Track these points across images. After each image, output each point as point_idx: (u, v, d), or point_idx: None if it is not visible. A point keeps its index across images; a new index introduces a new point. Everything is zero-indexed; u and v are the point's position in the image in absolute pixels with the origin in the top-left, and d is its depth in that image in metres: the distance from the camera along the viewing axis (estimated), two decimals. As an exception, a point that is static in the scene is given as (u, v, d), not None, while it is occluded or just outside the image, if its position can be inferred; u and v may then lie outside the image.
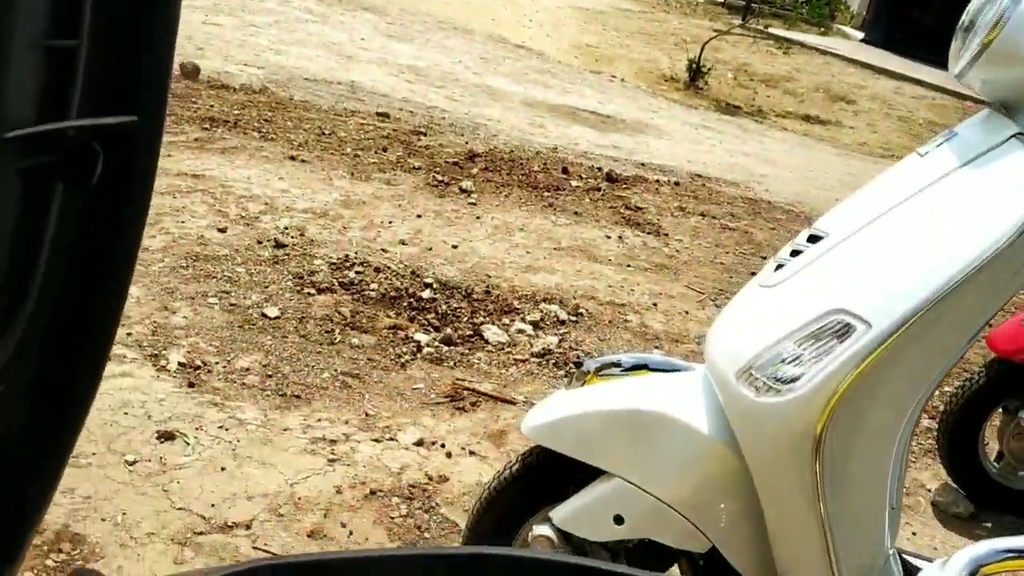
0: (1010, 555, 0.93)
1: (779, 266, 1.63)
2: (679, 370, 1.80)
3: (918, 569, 1.76)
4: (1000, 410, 2.97)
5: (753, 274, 4.86)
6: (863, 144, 10.38)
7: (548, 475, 1.79)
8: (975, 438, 2.97)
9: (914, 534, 2.88)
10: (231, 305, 3.46)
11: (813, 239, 1.60)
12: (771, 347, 1.50)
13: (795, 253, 1.61)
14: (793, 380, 1.46)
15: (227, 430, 2.70)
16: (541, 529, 1.74)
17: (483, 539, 1.85)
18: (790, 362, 1.48)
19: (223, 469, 2.51)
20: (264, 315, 3.43)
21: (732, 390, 1.54)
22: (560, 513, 1.72)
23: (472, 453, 2.82)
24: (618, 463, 1.67)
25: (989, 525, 2.94)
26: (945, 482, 3.10)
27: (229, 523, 2.31)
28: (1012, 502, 3.03)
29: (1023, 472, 3.02)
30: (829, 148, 9.84)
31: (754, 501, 1.57)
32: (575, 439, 1.71)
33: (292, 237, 4.15)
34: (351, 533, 2.36)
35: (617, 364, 1.83)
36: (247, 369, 3.07)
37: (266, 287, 3.65)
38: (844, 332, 1.43)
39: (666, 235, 5.29)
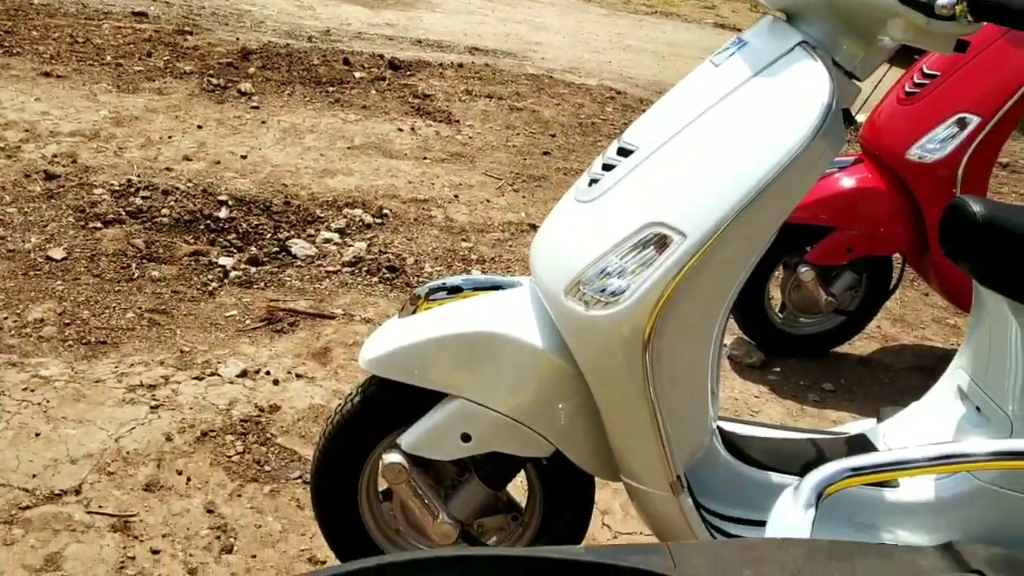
0: (849, 474, 1.07)
1: (593, 180, 1.69)
2: (505, 287, 1.85)
3: (736, 435, 1.95)
4: (781, 266, 3.26)
5: (546, 154, 4.99)
6: (627, 3, 10.64)
7: (390, 403, 1.82)
8: (761, 293, 3.25)
9: (717, 389, 3.16)
10: (9, 252, 3.19)
11: (623, 152, 1.66)
12: (595, 262, 1.57)
13: (607, 167, 1.67)
14: (620, 293, 1.54)
15: (33, 391, 2.54)
16: (391, 457, 1.77)
17: (331, 474, 1.87)
18: (615, 275, 1.56)
19: (38, 435, 2.38)
20: (49, 258, 3.19)
21: (561, 306, 1.61)
22: (408, 439, 1.76)
23: (299, 376, 2.80)
24: (458, 384, 1.72)
25: (778, 370, 3.26)
26: (738, 336, 3.39)
27: (56, 491, 2.21)
28: (796, 347, 3.37)
29: (803, 319, 3.35)
30: (595, 9, 10.02)
31: (590, 404, 1.67)
32: (413, 367, 1.74)
33: (64, 166, 3.83)
34: (189, 480, 2.31)
35: (445, 288, 1.85)
36: (41, 320, 2.87)
37: (45, 226, 3.38)
38: (662, 243, 1.52)
39: (457, 122, 5.28)
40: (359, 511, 1.91)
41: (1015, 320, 1.77)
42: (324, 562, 2.10)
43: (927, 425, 1.96)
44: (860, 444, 1.97)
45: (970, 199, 1.76)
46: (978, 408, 1.88)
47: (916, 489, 1.80)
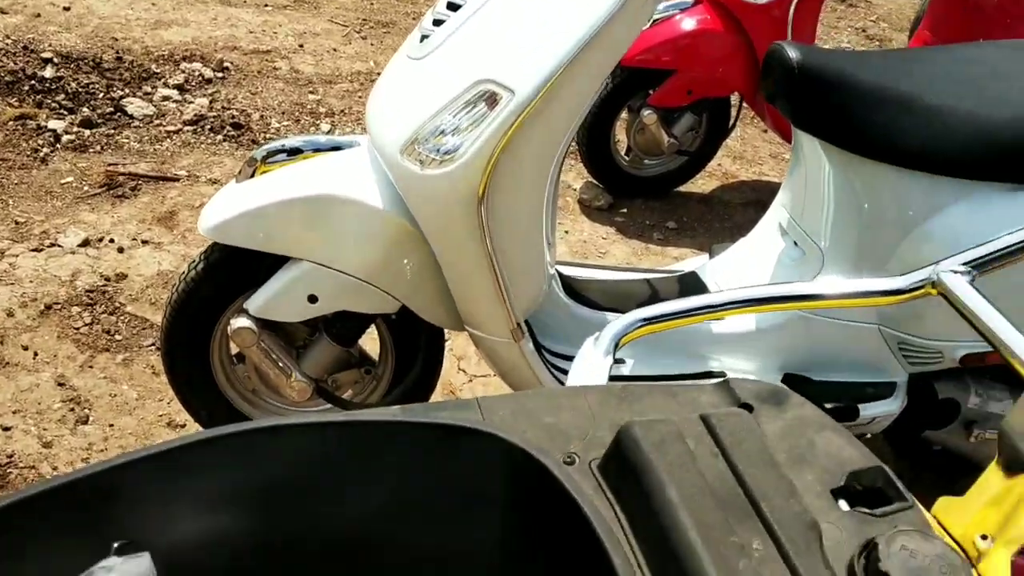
0: (640, 323, 1.16)
1: (424, 36, 1.67)
2: (344, 147, 1.85)
3: (575, 278, 2.05)
4: (626, 110, 3.33)
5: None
6: None
7: (234, 269, 1.82)
8: (607, 138, 3.33)
9: (567, 232, 3.27)
10: None
11: (452, 7, 1.65)
12: (429, 121, 1.58)
13: (437, 23, 1.66)
14: (454, 151, 1.57)
15: None
16: (239, 322, 1.79)
17: (181, 342, 1.87)
18: (449, 133, 1.58)
19: None
20: None
21: (398, 166, 1.63)
22: (255, 303, 1.78)
23: (145, 242, 2.74)
24: (301, 247, 1.73)
25: (625, 211, 3.38)
26: (588, 180, 3.48)
27: None
28: (641, 188, 3.50)
29: (648, 161, 3.46)
30: None
31: (432, 260, 1.72)
32: (255, 231, 1.73)
33: None
34: (36, 354, 2.27)
35: (283, 150, 1.83)
36: None
37: None
38: (492, 100, 1.54)
39: (298, -37, 5.02)
40: (213, 375, 1.94)
41: (827, 160, 1.89)
42: (183, 426, 2.14)
43: (751, 260, 2.10)
44: (690, 282, 2.11)
45: (787, 45, 1.84)
46: (796, 243, 2.03)
47: (740, 321, 1.95)
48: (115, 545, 0.74)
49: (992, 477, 0.90)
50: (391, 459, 0.85)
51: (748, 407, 0.87)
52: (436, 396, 2.06)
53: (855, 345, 1.89)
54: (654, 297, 2.04)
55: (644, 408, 0.87)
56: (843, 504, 0.82)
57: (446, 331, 1.96)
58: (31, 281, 2.50)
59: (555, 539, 0.82)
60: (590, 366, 1.07)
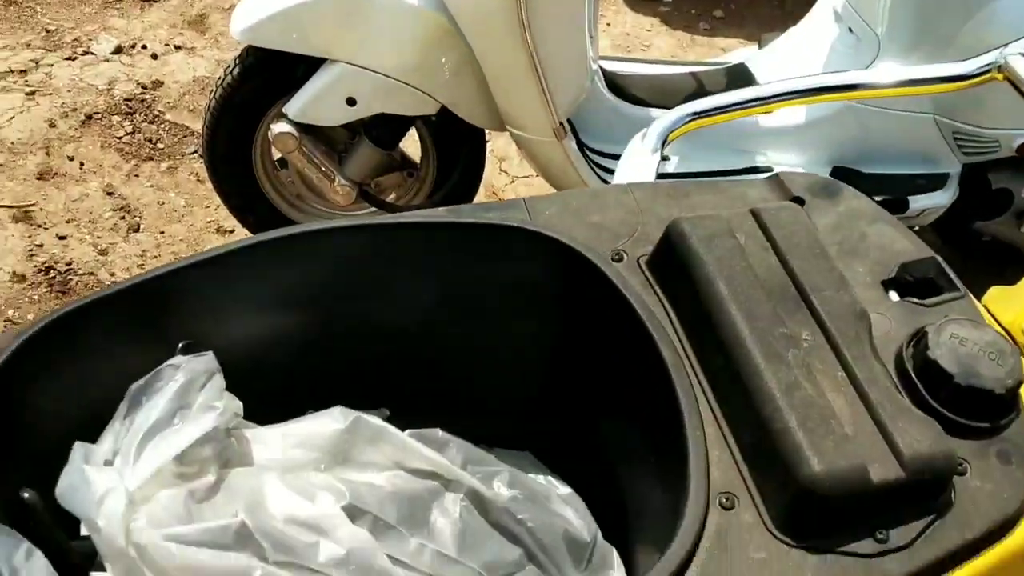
0: (689, 118, 1.11)
1: None
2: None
3: (618, 74, 1.98)
4: None
5: None
6: None
7: (270, 73, 1.79)
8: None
9: (609, 25, 3.14)
10: None
11: None
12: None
13: None
14: (490, -61, 1.49)
15: None
16: (279, 127, 1.78)
17: (222, 150, 1.87)
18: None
19: (-89, 134, 2.30)
20: None
21: (433, -43, 1.55)
22: (293, 107, 1.75)
23: (178, 48, 2.69)
24: (336, 48, 1.69)
25: (670, 0, 3.23)
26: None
27: (-54, 189, 2.18)
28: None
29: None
30: None
31: (471, 57, 1.67)
32: (287, 33, 1.69)
33: None
34: (82, 165, 2.29)
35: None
36: None
37: None
38: None
39: None
40: (257, 181, 1.95)
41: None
42: (232, 232, 2.17)
43: (803, 50, 2.01)
44: (739, 74, 2.03)
45: None
46: (850, 29, 1.93)
47: (788, 114, 1.89)
48: (180, 345, 0.77)
49: (1046, 265, 0.88)
50: (439, 259, 0.86)
51: (799, 200, 0.86)
52: (479, 198, 2.06)
53: (908, 136, 1.84)
54: (701, 91, 1.98)
55: (693, 204, 0.85)
56: (893, 295, 0.81)
57: (487, 132, 1.93)
58: (69, 91, 2.48)
59: (603, 335, 0.83)
60: (637, 163, 1.05)
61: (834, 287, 0.77)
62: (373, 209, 1.97)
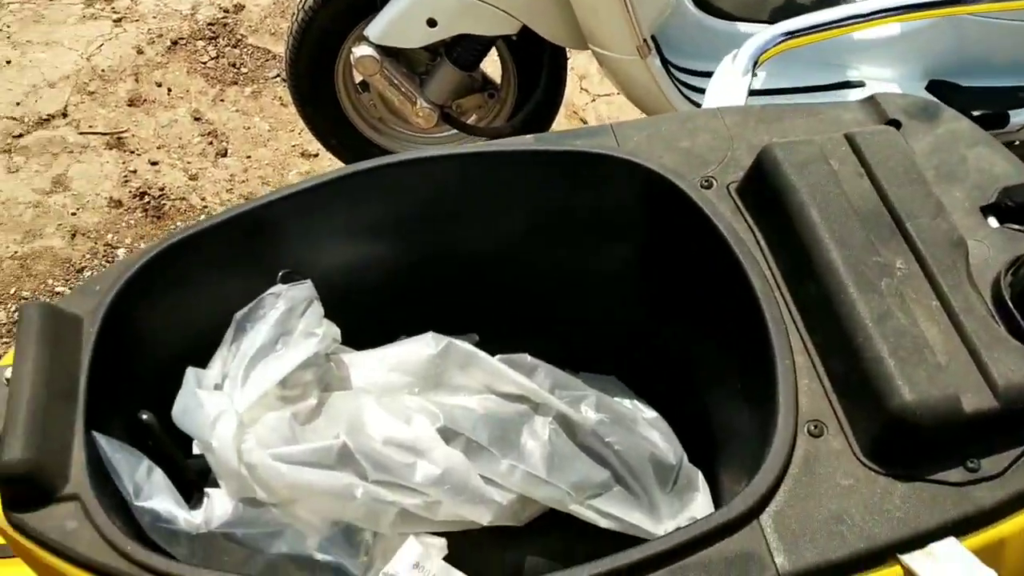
0: (783, 38, 1.07)
1: None
2: None
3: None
4: None
5: None
6: None
7: (351, -6, 1.79)
8: None
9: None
10: None
11: None
12: None
13: None
14: None
15: (-11, 17, 2.48)
16: (361, 50, 1.78)
17: (305, 73, 1.89)
18: None
19: (8, 63, 2.37)
20: None
21: None
22: (374, 29, 1.75)
23: (258, -30, 2.69)
24: (417, -32, 1.68)
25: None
26: None
27: (44, 116, 2.26)
28: None
29: None
30: None
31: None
32: (368, -47, 1.68)
33: None
34: (170, 90, 2.34)
35: None
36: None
37: None
38: None
39: None
40: (340, 104, 1.97)
41: None
42: (316, 155, 2.21)
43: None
44: (829, -16, 1.95)
45: None
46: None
47: (883, 27, 1.82)
48: (280, 273, 0.80)
49: None
50: (527, 186, 0.87)
51: (896, 123, 0.83)
52: (559, 118, 2.04)
53: (1010, 46, 1.75)
54: (791, 4, 1.90)
55: (785, 129, 0.84)
56: (992, 221, 0.79)
57: (568, 50, 1.90)
58: (154, 17, 2.52)
59: (692, 262, 0.83)
60: (728, 86, 1.02)
61: (930, 214, 0.76)
62: (455, 131, 1.97)
